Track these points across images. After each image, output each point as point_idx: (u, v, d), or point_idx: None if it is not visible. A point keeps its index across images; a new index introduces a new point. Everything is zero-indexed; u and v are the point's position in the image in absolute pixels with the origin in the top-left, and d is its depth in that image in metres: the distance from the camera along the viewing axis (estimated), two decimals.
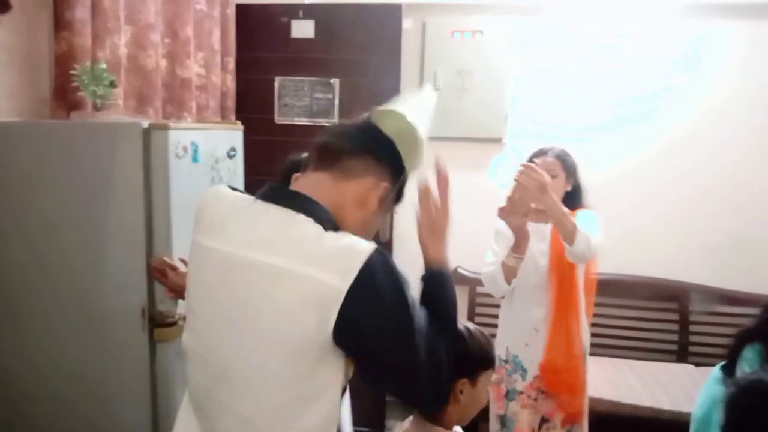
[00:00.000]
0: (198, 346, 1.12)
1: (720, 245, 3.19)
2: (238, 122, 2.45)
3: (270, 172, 3.31)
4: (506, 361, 2.28)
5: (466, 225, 2.24)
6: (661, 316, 3.24)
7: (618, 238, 3.07)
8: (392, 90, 3.12)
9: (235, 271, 1.05)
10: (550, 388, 2.22)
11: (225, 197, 1.16)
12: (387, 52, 3.11)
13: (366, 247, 1.02)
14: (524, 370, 2.24)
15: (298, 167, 1.24)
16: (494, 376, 2.33)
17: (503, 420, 2.30)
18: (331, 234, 1.04)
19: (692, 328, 3.21)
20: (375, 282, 1.01)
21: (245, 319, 1.04)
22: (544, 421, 2.26)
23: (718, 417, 2.13)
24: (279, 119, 3.20)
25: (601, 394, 2.73)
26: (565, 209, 2.03)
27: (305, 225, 1.04)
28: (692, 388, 2.79)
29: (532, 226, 2.18)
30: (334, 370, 1.06)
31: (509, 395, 2.28)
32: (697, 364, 3.11)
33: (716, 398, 2.15)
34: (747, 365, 2.09)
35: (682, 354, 3.21)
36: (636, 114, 3.25)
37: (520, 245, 2.11)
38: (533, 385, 2.23)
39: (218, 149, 2.10)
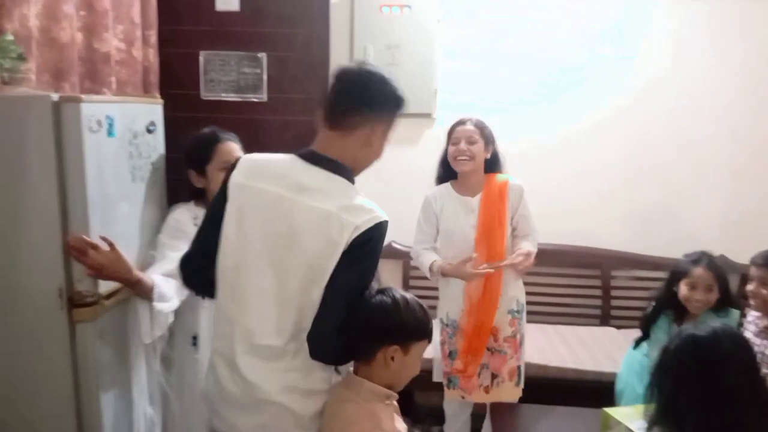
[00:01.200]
0: (229, 270, 1.47)
1: (639, 214, 3.33)
2: (158, 95, 2.39)
3: None
4: (447, 325, 2.50)
5: (399, 200, 2.28)
6: (585, 282, 3.37)
7: (544, 209, 3.17)
8: (322, 65, 3.09)
9: (279, 207, 1.42)
10: (480, 347, 2.42)
11: (261, 155, 1.53)
12: (315, 26, 3.07)
13: (382, 215, 1.42)
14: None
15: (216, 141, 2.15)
16: (439, 338, 2.45)
17: (449, 377, 2.50)
18: (359, 193, 1.45)
19: (613, 293, 3.37)
20: (378, 236, 1.41)
21: (281, 245, 1.42)
22: (494, 376, 2.47)
23: (639, 379, 2.28)
24: (205, 95, 3.12)
25: (529, 358, 2.82)
26: (529, 248, 2.39)
27: (340, 183, 1.44)
28: (614, 350, 2.94)
29: (460, 200, 2.39)
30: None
31: (451, 355, 2.49)
32: (618, 327, 3.27)
33: (636, 364, 2.30)
34: (661, 332, 2.23)
35: (604, 318, 3.36)
36: (563, 85, 3.33)
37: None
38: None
39: (136, 123, 2.04)
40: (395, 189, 3.28)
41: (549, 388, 2.75)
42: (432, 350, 2.37)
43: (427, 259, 2.45)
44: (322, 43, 3.09)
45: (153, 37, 2.96)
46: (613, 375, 2.63)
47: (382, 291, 1.49)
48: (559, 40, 3.30)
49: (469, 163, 2.37)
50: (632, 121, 3.33)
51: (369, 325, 1.44)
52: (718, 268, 2.16)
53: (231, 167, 1.51)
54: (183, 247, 1.64)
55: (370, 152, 1.52)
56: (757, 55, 3.25)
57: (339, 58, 3.27)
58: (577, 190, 3.38)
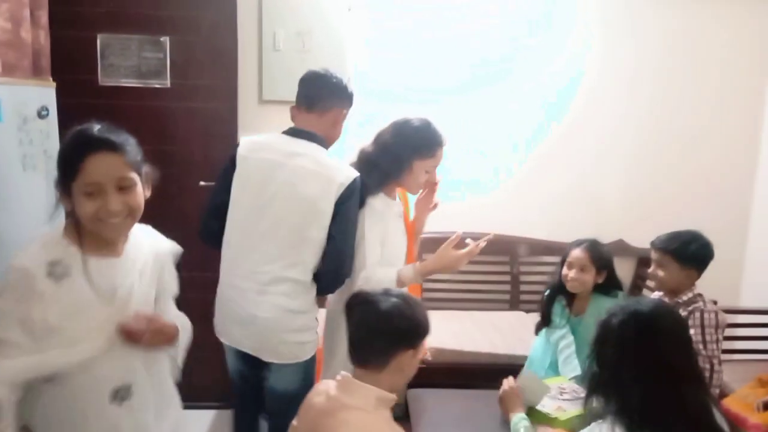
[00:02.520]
0: (239, 221, 1.95)
1: (545, 202, 3.46)
2: (50, 78, 2.21)
3: None
4: None
5: None
6: (496, 269, 3.46)
7: (457, 198, 3.25)
8: (229, 50, 2.99)
9: (277, 169, 1.90)
10: None
11: (256, 136, 2.02)
12: (221, 9, 2.95)
13: (356, 172, 1.94)
14: None
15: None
16: None
17: None
18: (332, 156, 1.97)
19: (522, 278, 3.49)
20: (357, 188, 1.92)
21: (280, 197, 1.89)
22: None
23: (540, 364, 2.37)
24: (103, 80, 2.93)
25: (445, 344, 2.87)
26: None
27: (321, 150, 1.96)
28: (524, 333, 3.03)
29: (393, 206, 2.16)
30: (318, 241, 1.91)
31: None
32: (527, 311, 3.38)
33: (539, 349, 2.42)
34: (557, 317, 2.34)
35: (514, 303, 3.47)
36: (489, 75, 3.37)
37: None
38: None
39: (27, 107, 1.88)
40: None
41: (465, 372, 2.81)
42: None
43: (389, 272, 2.04)
44: (229, 28, 2.98)
45: (44, 17, 2.74)
46: (524, 357, 2.73)
47: (386, 293, 1.48)
48: (485, 30, 3.33)
49: None
50: (546, 113, 3.45)
51: (389, 330, 1.43)
52: (595, 251, 2.30)
53: (235, 146, 1.99)
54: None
55: (336, 131, 2.05)
56: (671, 48, 3.43)
57: (247, 43, 3.18)
58: (487, 179, 3.46)
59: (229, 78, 2.99)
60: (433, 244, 2.20)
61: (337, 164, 1.93)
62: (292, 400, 1.71)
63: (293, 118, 2.03)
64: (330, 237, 1.90)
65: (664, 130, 3.48)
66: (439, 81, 3.35)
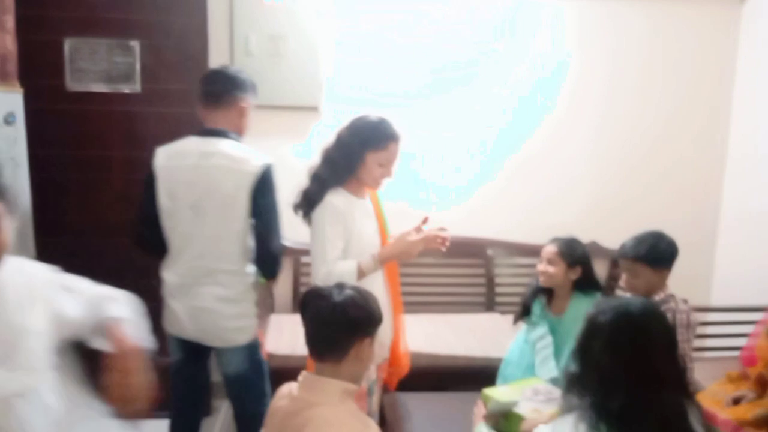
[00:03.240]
0: (172, 228, 2.10)
1: (520, 204, 3.49)
2: (17, 84, 2.17)
3: (61, 143, 3.01)
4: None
5: (286, 196, 2.20)
6: (470, 271, 3.48)
7: (431, 199, 3.26)
8: (200, 54, 2.96)
9: (199, 171, 2.04)
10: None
11: (171, 144, 2.12)
12: (192, 13, 2.94)
13: (267, 158, 2.07)
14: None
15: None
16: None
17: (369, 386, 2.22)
18: (246, 148, 2.08)
19: (497, 280, 3.51)
20: (269, 173, 2.06)
21: (204, 197, 2.03)
22: None
23: (517, 366, 2.39)
24: (71, 86, 2.88)
25: (420, 348, 2.87)
26: None
27: (231, 144, 2.07)
28: (498, 334, 3.06)
29: (360, 204, 2.15)
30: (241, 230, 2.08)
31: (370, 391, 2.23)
32: (502, 313, 3.40)
33: (516, 350, 2.44)
34: (537, 316, 2.37)
35: (489, 304, 3.49)
36: (454, 79, 3.39)
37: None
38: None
39: None
40: (282, 183, 3.22)
41: (441, 375, 2.81)
42: None
43: (348, 263, 2.04)
44: (199, 32, 2.96)
45: (10, 21, 2.69)
46: (500, 359, 2.74)
47: (339, 287, 1.51)
48: (452, 34, 3.36)
49: None
50: (515, 115, 3.48)
51: (346, 321, 1.46)
52: (565, 245, 2.36)
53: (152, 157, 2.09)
54: None
55: (244, 123, 2.16)
56: (638, 52, 3.49)
57: (218, 48, 3.16)
58: (461, 181, 3.48)
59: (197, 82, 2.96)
60: None
61: (248, 155, 2.05)
62: (245, 384, 2.19)
63: (203, 119, 2.13)
64: (254, 224, 2.07)
65: (632, 131, 3.54)
66: (406, 85, 3.36)
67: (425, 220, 2.15)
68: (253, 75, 3.19)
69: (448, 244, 2.14)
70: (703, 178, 3.61)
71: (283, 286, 3.40)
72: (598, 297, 2.31)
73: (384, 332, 2.04)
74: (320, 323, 1.48)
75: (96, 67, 2.89)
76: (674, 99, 3.53)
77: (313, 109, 3.29)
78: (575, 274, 2.35)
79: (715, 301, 3.60)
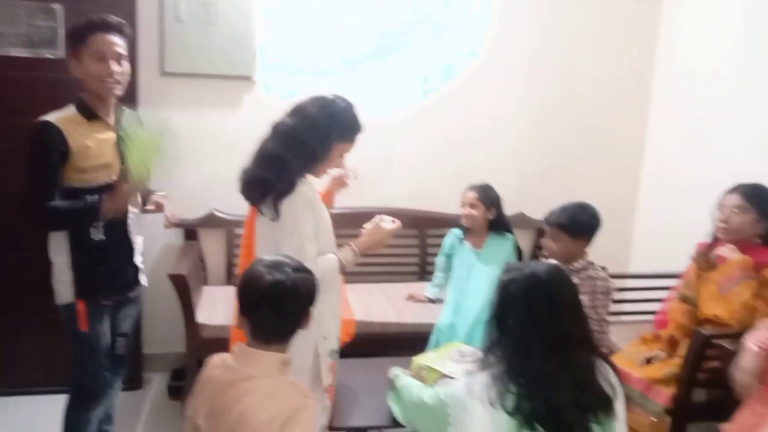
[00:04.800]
0: None
1: (450, 176, 3.53)
2: None
3: None
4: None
5: (220, 167, 2.16)
6: (404, 242, 3.55)
7: (365, 172, 3.27)
8: (127, 19, 2.83)
9: None
10: None
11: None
12: None
13: (40, 119, 2.03)
14: None
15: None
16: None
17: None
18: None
19: (429, 250, 3.59)
20: (33, 131, 2.03)
21: None
22: None
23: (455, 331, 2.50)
24: None
25: (355, 317, 2.91)
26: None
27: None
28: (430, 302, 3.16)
29: (315, 190, 2.04)
30: None
31: None
32: None
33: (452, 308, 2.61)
34: (459, 255, 2.98)
35: (422, 273, 3.58)
36: (390, 47, 3.39)
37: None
38: None
39: None
40: (216, 155, 3.17)
41: (375, 342, 2.87)
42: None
43: (330, 259, 1.96)
44: None
45: None
46: (431, 325, 2.84)
47: (275, 267, 1.46)
48: (386, 1, 3.34)
49: None
50: (447, 86, 3.52)
51: (304, 296, 1.46)
52: (482, 191, 2.95)
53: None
54: None
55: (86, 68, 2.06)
56: (566, 28, 3.58)
57: (147, 14, 3.06)
58: (397, 153, 3.52)
59: (128, 48, 2.85)
60: (354, 219, 2.36)
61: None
62: (72, 344, 2.14)
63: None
64: None
65: (558, 107, 3.66)
66: (340, 53, 3.33)
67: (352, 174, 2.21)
68: (183, 42, 3.14)
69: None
70: (625, 151, 3.78)
71: (215, 258, 3.38)
72: (509, 237, 2.99)
73: (338, 307, 2.09)
74: (274, 312, 1.44)
75: (14, 30, 2.75)
76: (600, 79, 3.66)
77: (246, 78, 3.23)
78: (492, 214, 2.96)
79: (634, 268, 3.81)
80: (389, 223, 2.07)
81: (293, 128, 1.90)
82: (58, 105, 2.09)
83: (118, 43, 2.08)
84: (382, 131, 3.44)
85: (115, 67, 2.06)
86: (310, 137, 1.89)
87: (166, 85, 3.16)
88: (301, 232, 1.84)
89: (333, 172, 2.16)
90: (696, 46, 3.40)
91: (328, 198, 2.25)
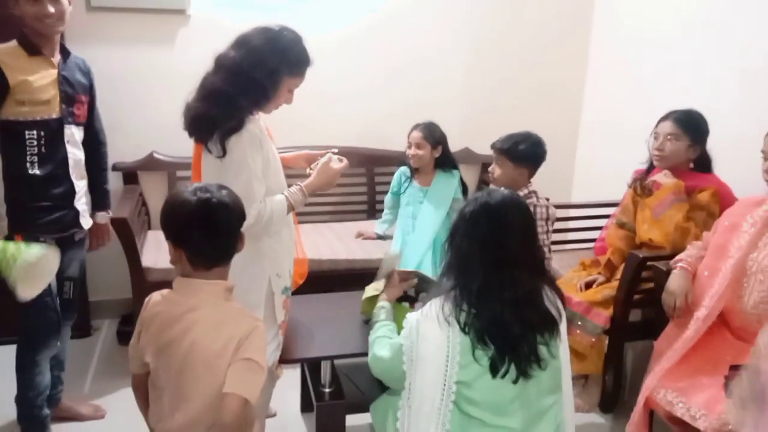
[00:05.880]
0: None
1: (396, 115, 3.50)
2: None
3: None
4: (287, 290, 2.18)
5: (158, 105, 2.07)
6: (353, 180, 3.54)
7: (312, 112, 3.22)
8: None
9: None
10: None
11: None
12: None
13: None
14: None
15: None
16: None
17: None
18: None
19: (377, 188, 3.60)
20: None
21: None
22: None
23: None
24: None
25: (305, 255, 2.93)
26: None
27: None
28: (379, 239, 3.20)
29: (263, 128, 1.94)
30: None
31: None
32: None
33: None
34: (408, 192, 3.05)
35: (370, 212, 3.60)
36: None
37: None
38: None
39: None
40: (153, 94, 3.05)
41: (325, 279, 2.89)
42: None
43: (279, 199, 1.89)
44: None
45: None
46: (379, 260, 2.87)
47: (200, 190, 1.42)
48: None
49: None
50: (391, 27, 3.46)
51: (234, 209, 1.45)
52: (427, 130, 2.95)
53: None
54: None
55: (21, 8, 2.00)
56: None
57: None
58: (342, 91, 3.46)
59: None
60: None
61: None
62: None
63: None
64: None
65: (503, 44, 3.65)
66: None
67: (329, 157, 2.04)
68: None
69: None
70: (567, 90, 3.82)
71: (157, 201, 3.29)
72: (455, 174, 3.02)
73: (291, 245, 2.09)
74: (212, 232, 1.41)
75: None
76: (540, 17, 3.66)
77: (180, 12, 3.08)
78: (438, 152, 2.98)
79: (575, 198, 3.92)
80: (337, 162, 2.02)
81: (239, 63, 1.80)
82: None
83: None
84: (325, 70, 3.36)
85: (50, 8, 2.00)
86: (258, 72, 1.79)
87: (93, 21, 2.98)
88: (249, 172, 1.77)
89: (304, 153, 2.14)
90: None
91: (289, 161, 2.19)
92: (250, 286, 1.90)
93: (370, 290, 2.17)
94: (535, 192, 2.42)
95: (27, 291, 1.71)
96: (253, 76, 1.79)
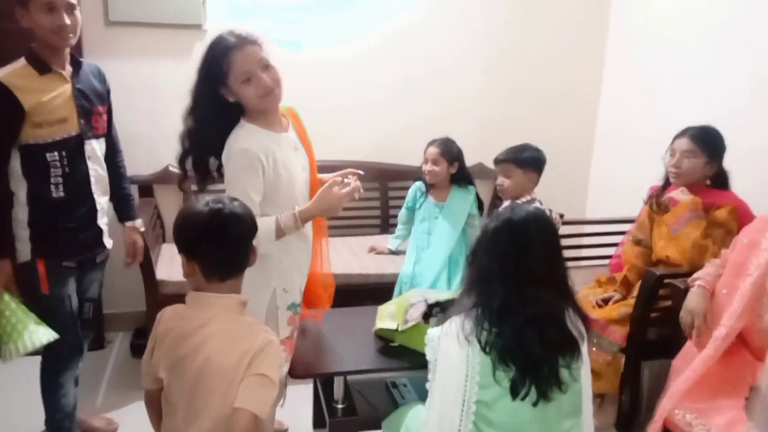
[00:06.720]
0: None
1: (411, 129, 3.52)
2: None
3: None
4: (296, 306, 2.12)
5: (174, 121, 2.07)
6: (367, 195, 3.52)
7: (324, 126, 3.22)
8: None
9: None
10: None
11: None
12: None
13: None
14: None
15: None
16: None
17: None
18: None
19: (391, 203, 3.60)
20: None
21: None
22: None
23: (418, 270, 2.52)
24: None
25: (329, 269, 2.92)
26: None
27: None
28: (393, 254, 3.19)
29: (282, 139, 1.90)
30: None
31: None
32: None
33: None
34: (423, 208, 2.98)
35: (384, 226, 3.60)
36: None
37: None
38: None
39: None
40: (169, 108, 3.05)
41: (339, 294, 2.86)
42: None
43: (267, 221, 1.79)
44: None
45: None
46: (394, 275, 2.87)
47: (216, 199, 1.44)
48: None
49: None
50: (404, 43, 3.47)
51: (245, 219, 1.45)
52: (444, 146, 2.89)
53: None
54: None
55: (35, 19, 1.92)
56: None
57: None
58: (355, 106, 3.47)
59: None
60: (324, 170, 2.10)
61: None
62: (35, 307, 2.03)
63: None
64: None
65: (517, 59, 3.65)
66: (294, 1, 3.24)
67: (346, 173, 1.96)
68: None
69: (362, 191, 1.93)
70: (580, 101, 3.80)
71: (172, 214, 3.27)
72: (471, 190, 2.97)
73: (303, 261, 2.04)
74: (224, 242, 1.41)
75: None
76: (556, 28, 3.65)
77: (196, 27, 3.12)
78: (454, 168, 2.92)
79: (590, 213, 3.89)
80: (341, 187, 1.87)
81: (192, 96, 1.86)
82: (7, 58, 1.98)
83: None
84: (338, 84, 3.39)
85: (66, 19, 1.93)
86: (199, 92, 1.83)
87: (112, 36, 3.03)
88: (238, 190, 1.73)
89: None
90: None
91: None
92: (251, 297, 1.87)
93: (386, 318, 2.15)
94: (535, 199, 2.47)
95: (7, 358, 1.92)
96: (199, 101, 1.83)
